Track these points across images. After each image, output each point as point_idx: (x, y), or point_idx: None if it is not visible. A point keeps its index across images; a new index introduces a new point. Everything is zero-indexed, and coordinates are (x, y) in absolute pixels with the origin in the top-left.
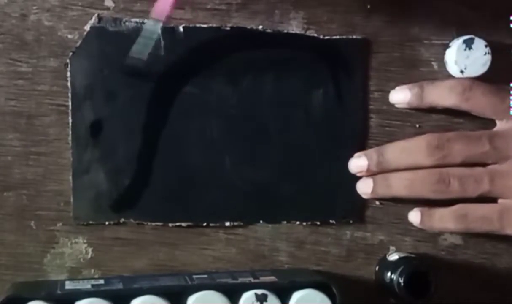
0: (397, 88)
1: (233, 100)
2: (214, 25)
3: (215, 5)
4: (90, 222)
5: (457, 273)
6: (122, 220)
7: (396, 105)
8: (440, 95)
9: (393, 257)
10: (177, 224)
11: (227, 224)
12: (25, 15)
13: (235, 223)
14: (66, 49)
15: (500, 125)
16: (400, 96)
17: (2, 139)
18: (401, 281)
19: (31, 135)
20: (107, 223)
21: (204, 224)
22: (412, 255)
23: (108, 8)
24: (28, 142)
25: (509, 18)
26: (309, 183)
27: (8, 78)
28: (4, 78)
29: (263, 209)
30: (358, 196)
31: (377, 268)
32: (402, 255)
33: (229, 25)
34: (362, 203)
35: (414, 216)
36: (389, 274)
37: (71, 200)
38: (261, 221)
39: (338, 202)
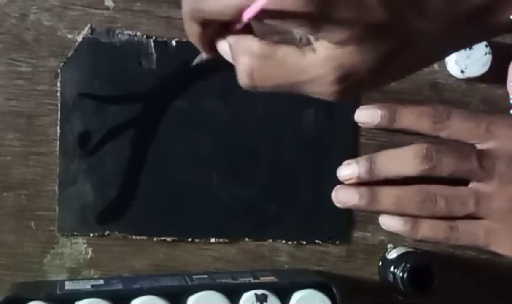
0: (365, 106)
1: (223, 117)
2: None
3: None
4: (75, 233)
5: (458, 273)
6: (107, 232)
7: (362, 125)
8: (415, 121)
9: (392, 254)
10: (162, 238)
11: (212, 240)
12: (24, 15)
13: (220, 240)
14: (65, 49)
15: (479, 147)
16: (369, 116)
17: (2, 139)
18: (405, 276)
19: (31, 135)
20: (91, 234)
21: (189, 240)
22: (411, 250)
23: (108, 8)
24: (28, 142)
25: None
26: (296, 202)
27: (8, 78)
28: (4, 78)
29: (249, 226)
30: (345, 216)
31: (379, 267)
32: (401, 251)
33: None
34: (349, 223)
35: (395, 222)
36: (392, 269)
37: (57, 210)
38: (246, 238)
39: (325, 222)
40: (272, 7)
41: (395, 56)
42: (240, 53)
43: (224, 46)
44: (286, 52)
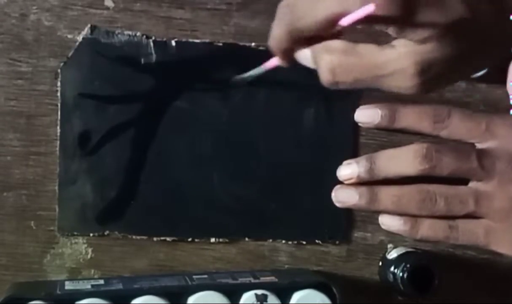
0: (365, 106)
1: (223, 117)
2: (207, 40)
3: (215, 5)
4: (75, 233)
5: (458, 273)
6: (107, 232)
7: (362, 125)
8: (415, 120)
9: (392, 255)
10: (162, 238)
11: (212, 240)
12: (25, 15)
13: (220, 240)
14: (66, 49)
15: (479, 146)
16: (369, 116)
17: (2, 139)
18: (405, 276)
19: (31, 135)
20: (91, 234)
21: (189, 240)
22: (411, 250)
23: (108, 8)
24: (28, 142)
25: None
26: (296, 202)
27: (8, 78)
28: (4, 78)
29: (249, 226)
30: (345, 216)
31: (379, 267)
32: (401, 251)
33: (230, 24)
34: (349, 223)
35: (394, 222)
36: (392, 269)
37: (57, 210)
38: (246, 238)
39: (325, 222)
40: (369, 14)
41: (473, 53)
42: (322, 52)
43: (304, 53)
44: (366, 48)
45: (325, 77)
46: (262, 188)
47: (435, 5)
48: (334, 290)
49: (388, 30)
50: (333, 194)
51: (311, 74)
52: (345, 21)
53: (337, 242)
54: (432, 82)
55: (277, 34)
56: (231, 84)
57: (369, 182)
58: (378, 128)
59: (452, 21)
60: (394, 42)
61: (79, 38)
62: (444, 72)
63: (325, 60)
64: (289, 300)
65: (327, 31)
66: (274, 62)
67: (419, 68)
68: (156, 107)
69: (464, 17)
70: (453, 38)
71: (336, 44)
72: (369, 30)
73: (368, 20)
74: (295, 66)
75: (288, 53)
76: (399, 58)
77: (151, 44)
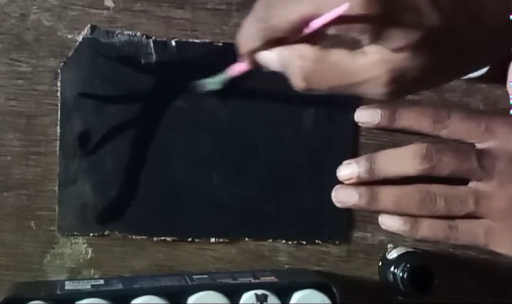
0: (366, 106)
1: (223, 117)
2: (207, 40)
3: (215, 5)
4: (75, 233)
5: (458, 273)
6: (107, 232)
7: (362, 125)
8: (415, 120)
9: (393, 254)
10: (162, 238)
11: (212, 240)
12: (25, 15)
13: (220, 240)
14: (66, 49)
15: (479, 146)
16: (369, 116)
17: (2, 139)
18: (405, 276)
19: (31, 135)
20: (91, 234)
21: (189, 240)
22: (411, 250)
23: (108, 8)
24: (28, 142)
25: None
26: (296, 202)
27: (8, 78)
28: (4, 78)
29: (249, 226)
30: (345, 216)
31: (379, 267)
32: (401, 251)
33: (230, 24)
34: (349, 223)
35: (394, 222)
36: (392, 269)
37: (57, 210)
38: (246, 238)
39: (325, 222)
40: (344, 14)
41: (448, 62)
42: (295, 59)
43: (269, 55)
44: (338, 56)
45: (298, 83)
46: (262, 188)
47: (413, 12)
48: (334, 290)
49: (361, 37)
50: (333, 194)
51: None
52: (318, 22)
53: (337, 242)
54: (404, 89)
55: (248, 31)
56: (192, 88)
57: (369, 182)
58: (378, 128)
59: (428, 30)
60: (366, 49)
61: (79, 38)
62: (416, 80)
63: (297, 67)
64: (289, 300)
65: (299, 33)
66: (240, 67)
67: (392, 77)
68: (156, 107)
69: (439, 27)
70: (427, 47)
71: (308, 50)
72: (342, 39)
73: (343, 21)
74: (259, 70)
75: (254, 54)
76: (372, 66)
77: (151, 44)
